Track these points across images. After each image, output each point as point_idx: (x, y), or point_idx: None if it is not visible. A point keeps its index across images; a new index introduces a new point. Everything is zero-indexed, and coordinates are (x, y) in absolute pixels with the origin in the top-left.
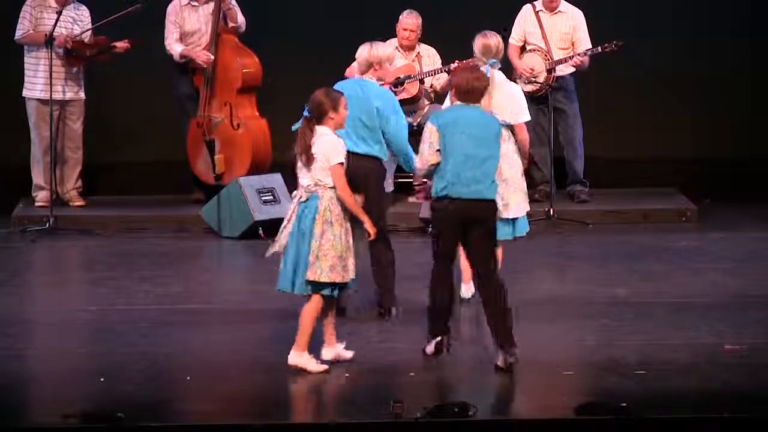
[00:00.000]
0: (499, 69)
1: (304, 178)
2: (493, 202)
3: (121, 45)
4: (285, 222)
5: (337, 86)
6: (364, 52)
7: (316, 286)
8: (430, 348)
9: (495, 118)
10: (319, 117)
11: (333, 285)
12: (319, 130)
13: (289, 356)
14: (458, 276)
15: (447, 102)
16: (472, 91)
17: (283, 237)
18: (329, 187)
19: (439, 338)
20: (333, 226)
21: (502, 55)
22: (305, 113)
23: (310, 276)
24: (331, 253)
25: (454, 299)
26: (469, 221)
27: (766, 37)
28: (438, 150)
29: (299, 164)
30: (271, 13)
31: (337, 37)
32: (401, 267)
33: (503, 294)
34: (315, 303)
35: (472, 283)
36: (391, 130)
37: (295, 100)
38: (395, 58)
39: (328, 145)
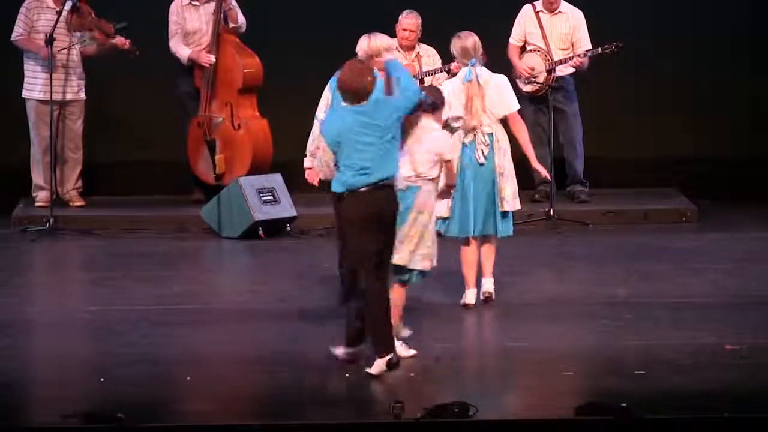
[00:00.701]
0: (482, 65)
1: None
2: None
3: (120, 40)
4: None
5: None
6: (363, 44)
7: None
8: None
9: None
10: (434, 109)
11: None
12: (427, 123)
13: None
14: (460, 281)
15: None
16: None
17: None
18: (429, 179)
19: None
20: (423, 215)
21: (481, 51)
22: (424, 101)
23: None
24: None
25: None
26: None
27: (765, 37)
28: None
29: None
30: (272, 14)
31: (337, 37)
32: None
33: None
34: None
35: (474, 289)
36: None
37: (295, 100)
38: (394, 48)
39: (442, 142)
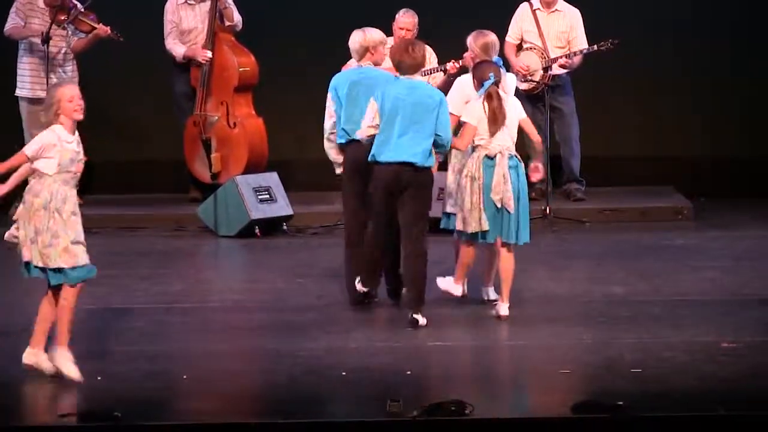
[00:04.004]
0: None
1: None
2: None
3: (103, 28)
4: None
5: (342, 77)
6: (358, 38)
7: None
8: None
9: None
10: (498, 84)
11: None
12: (503, 94)
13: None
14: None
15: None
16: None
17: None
18: None
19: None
20: None
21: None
22: (490, 82)
23: None
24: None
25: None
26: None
27: (764, 36)
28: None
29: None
30: (268, 12)
31: (333, 36)
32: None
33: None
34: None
35: (492, 287)
36: None
37: (291, 99)
38: (387, 42)
39: (519, 106)
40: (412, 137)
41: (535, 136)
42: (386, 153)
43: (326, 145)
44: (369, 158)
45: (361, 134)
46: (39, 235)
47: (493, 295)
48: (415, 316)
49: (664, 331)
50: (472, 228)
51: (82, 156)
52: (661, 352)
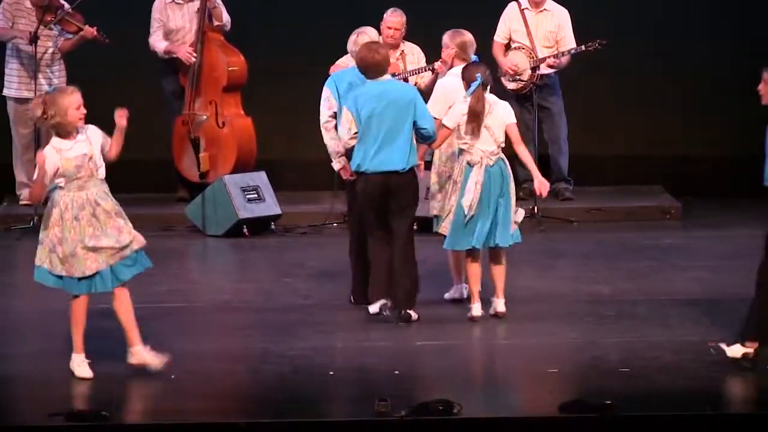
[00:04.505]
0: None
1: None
2: None
3: (89, 30)
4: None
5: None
6: (355, 41)
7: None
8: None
9: None
10: (486, 86)
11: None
12: (491, 97)
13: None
14: (446, 279)
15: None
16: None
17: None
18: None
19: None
20: None
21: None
22: (479, 82)
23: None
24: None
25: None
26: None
27: (754, 37)
28: None
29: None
30: (257, 12)
31: (321, 36)
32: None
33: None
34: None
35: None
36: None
37: (279, 98)
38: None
39: (509, 110)
40: (392, 142)
41: (517, 145)
42: (370, 163)
43: (324, 135)
44: (353, 168)
45: (343, 145)
46: (60, 245)
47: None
48: (408, 311)
49: (652, 330)
50: (442, 230)
51: (91, 154)
52: (649, 351)
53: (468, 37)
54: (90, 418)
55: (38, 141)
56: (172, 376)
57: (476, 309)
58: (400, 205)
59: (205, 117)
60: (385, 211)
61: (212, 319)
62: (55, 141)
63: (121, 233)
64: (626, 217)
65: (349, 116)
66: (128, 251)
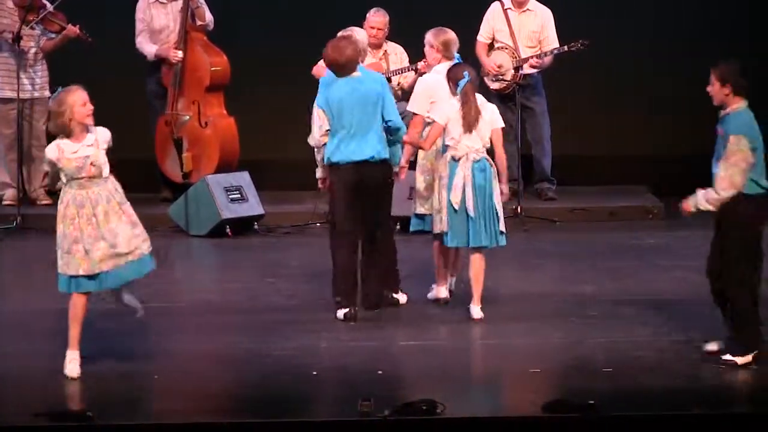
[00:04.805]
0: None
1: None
2: None
3: (72, 29)
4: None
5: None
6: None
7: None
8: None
9: None
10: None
11: None
12: (479, 97)
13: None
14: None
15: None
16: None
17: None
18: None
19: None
20: None
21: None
22: (466, 80)
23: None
24: None
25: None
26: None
27: (739, 36)
28: None
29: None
30: (239, 11)
31: (304, 36)
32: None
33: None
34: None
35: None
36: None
37: (262, 98)
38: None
39: (495, 112)
40: (364, 134)
41: (498, 147)
42: (341, 154)
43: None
44: (325, 162)
45: (315, 143)
46: (62, 241)
47: (444, 293)
48: (394, 295)
49: (635, 330)
50: (437, 228)
51: (94, 158)
52: (632, 351)
53: (451, 35)
54: (74, 419)
55: (21, 141)
56: (156, 377)
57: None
58: (376, 198)
59: (188, 117)
60: (359, 206)
61: (195, 320)
62: (60, 141)
63: (116, 237)
64: (609, 217)
65: (321, 114)
66: (129, 257)
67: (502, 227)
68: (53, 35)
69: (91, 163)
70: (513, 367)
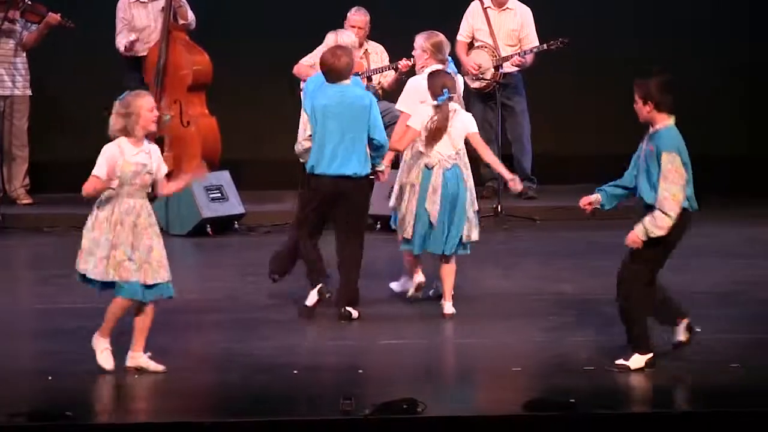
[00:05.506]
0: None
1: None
2: None
3: (53, 16)
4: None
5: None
6: (330, 41)
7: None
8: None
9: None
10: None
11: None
12: (454, 105)
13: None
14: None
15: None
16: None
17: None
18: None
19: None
20: None
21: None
22: (446, 96)
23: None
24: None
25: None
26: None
27: (726, 35)
28: None
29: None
30: (222, 11)
31: (286, 35)
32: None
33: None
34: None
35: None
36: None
37: (244, 98)
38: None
39: (470, 119)
40: (347, 147)
41: (483, 150)
42: (323, 165)
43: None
44: (307, 169)
45: (298, 149)
46: (98, 247)
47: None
48: (348, 309)
49: (616, 329)
50: (402, 233)
51: (151, 167)
52: (613, 350)
53: (442, 38)
54: (53, 418)
55: (1, 142)
56: (136, 376)
57: (448, 307)
58: (350, 210)
59: (169, 116)
60: (327, 213)
61: (176, 319)
62: (122, 140)
63: (150, 253)
64: (590, 217)
65: (305, 119)
66: (158, 279)
67: (473, 235)
68: (35, 26)
69: (148, 172)
70: (494, 366)
